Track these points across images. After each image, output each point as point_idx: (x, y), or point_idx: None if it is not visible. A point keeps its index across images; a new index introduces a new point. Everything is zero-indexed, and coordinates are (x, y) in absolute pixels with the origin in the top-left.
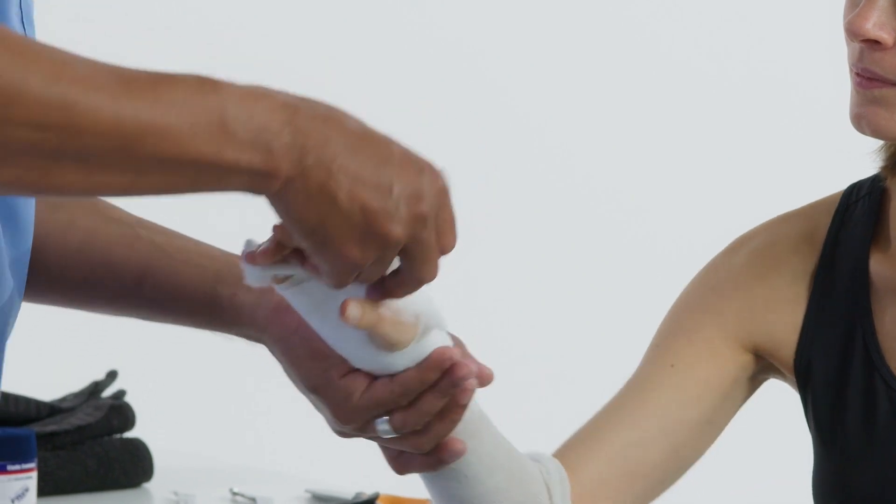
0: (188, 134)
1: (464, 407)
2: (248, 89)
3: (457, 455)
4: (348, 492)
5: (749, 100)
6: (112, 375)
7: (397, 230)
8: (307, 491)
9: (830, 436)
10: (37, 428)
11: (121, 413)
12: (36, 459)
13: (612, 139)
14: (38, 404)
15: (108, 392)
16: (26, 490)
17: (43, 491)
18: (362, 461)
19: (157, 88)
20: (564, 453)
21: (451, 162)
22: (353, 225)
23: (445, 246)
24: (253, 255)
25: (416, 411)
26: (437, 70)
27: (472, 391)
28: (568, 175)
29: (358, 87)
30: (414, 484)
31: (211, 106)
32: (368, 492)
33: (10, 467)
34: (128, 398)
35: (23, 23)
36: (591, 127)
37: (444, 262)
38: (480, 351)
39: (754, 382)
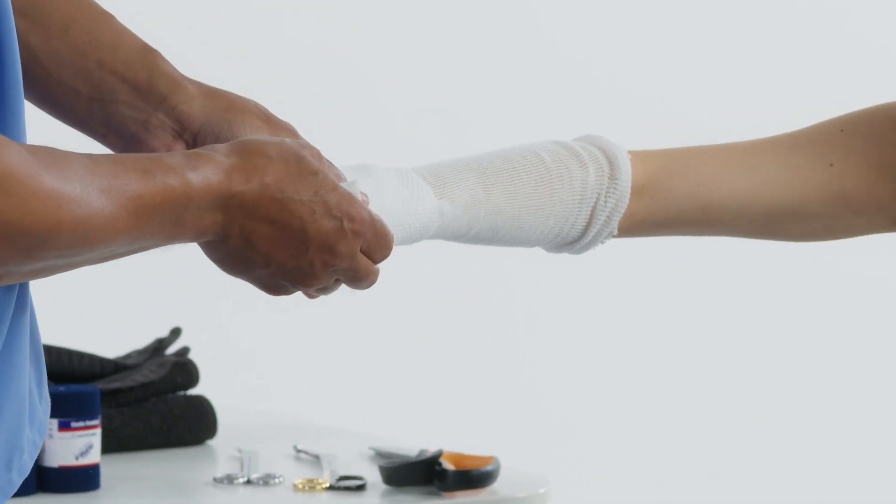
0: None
1: None
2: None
3: None
4: (412, 449)
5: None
6: (176, 332)
7: (313, 283)
8: (371, 448)
9: None
10: (101, 385)
11: (185, 370)
12: (100, 416)
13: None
14: (102, 361)
15: (172, 349)
16: (90, 447)
17: (107, 448)
18: (426, 419)
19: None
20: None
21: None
22: (271, 281)
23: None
24: None
25: None
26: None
27: None
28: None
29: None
30: (477, 441)
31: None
32: (432, 449)
33: (74, 424)
34: (192, 355)
35: None
36: None
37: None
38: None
39: None
